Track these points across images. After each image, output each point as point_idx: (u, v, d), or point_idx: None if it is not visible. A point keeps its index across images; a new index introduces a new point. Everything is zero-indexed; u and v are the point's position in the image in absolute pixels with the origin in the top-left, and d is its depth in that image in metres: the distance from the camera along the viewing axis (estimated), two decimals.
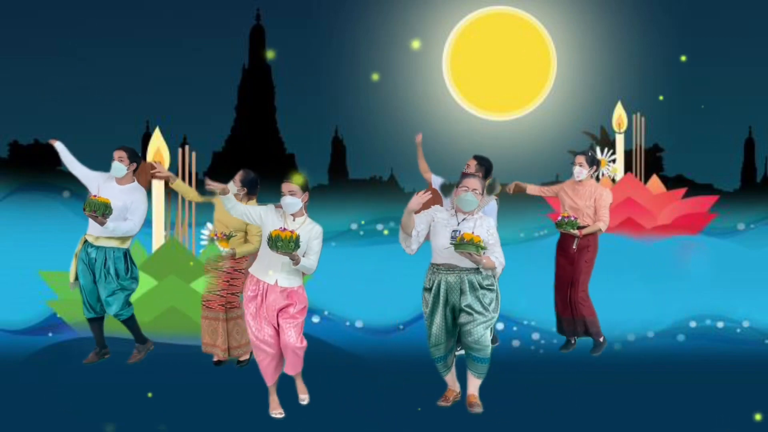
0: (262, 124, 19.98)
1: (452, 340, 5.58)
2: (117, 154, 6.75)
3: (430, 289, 5.49)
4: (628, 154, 13.61)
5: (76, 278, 6.76)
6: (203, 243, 8.12)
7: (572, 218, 7.09)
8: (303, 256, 5.31)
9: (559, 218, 7.13)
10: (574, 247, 7.19)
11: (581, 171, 7.30)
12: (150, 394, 5.70)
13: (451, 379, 5.70)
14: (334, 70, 16.34)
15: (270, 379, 5.49)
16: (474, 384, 5.53)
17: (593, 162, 7.35)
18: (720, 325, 7.94)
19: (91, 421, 5.25)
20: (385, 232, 9.46)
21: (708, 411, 5.53)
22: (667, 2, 15.95)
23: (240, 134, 20.11)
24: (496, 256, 5.36)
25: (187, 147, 8.75)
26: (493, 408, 5.43)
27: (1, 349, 7.15)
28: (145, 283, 7.52)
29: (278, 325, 5.42)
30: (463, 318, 5.41)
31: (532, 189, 7.59)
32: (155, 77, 15.46)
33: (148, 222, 9.41)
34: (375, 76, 14.57)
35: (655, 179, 13.00)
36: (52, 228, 10.30)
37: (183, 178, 8.58)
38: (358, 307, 7.48)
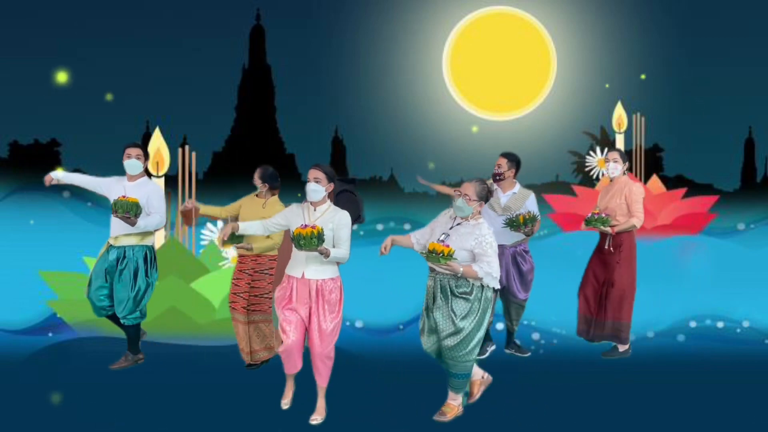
0: (262, 124, 19.98)
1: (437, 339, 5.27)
2: (134, 151, 6.58)
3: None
4: (628, 154, 13.60)
5: (89, 284, 6.64)
6: (203, 243, 8.13)
7: (602, 215, 6.77)
8: (333, 247, 5.14)
9: (589, 215, 6.82)
10: (606, 246, 6.91)
11: (616, 167, 6.99)
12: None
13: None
14: (334, 70, 16.35)
15: (286, 368, 5.39)
16: (450, 394, 5.35)
17: (625, 157, 7.06)
18: (720, 325, 7.94)
19: (91, 421, 5.25)
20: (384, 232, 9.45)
21: (708, 411, 5.53)
22: (667, 2, 15.95)
23: (240, 134, 20.10)
24: (481, 266, 5.03)
25: (187, 147, 8.77)
26: (493, 408, 5.43)
27: (1, 349, 7.15)
28: None
29: (309, 324, 5.27)
30: (436, 328, 5.20)
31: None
32: (155, 77, 15.46)
33: None
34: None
35: (655, 179, 13.01)
36: (52, 228, 10.30)
37: (183, 178, 8.59)
38: (358, 307, 7.44)
